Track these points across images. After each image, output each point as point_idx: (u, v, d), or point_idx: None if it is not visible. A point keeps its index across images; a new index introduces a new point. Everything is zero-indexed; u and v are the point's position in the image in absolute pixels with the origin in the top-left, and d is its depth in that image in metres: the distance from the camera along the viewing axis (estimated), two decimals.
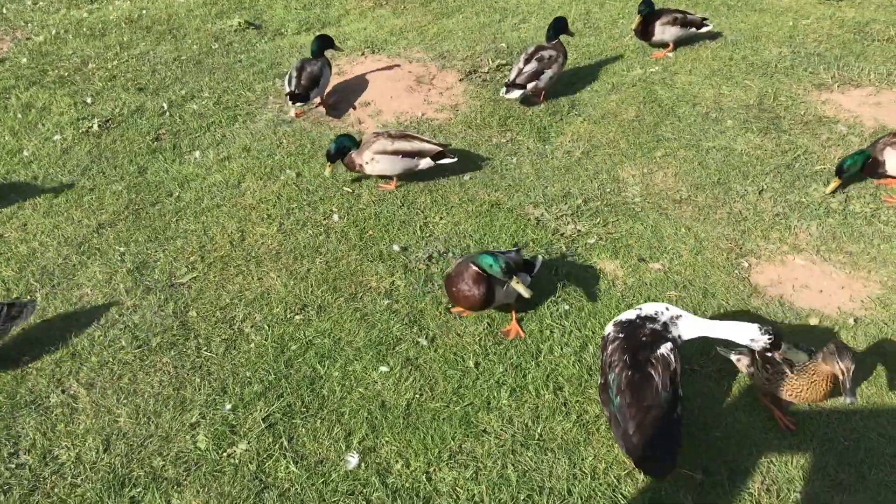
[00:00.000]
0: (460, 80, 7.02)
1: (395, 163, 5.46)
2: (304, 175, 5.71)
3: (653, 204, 5.40)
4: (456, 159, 5.61)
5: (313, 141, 6.14)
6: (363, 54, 7.51)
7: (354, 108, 6.58)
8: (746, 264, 4.86)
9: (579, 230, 5.14)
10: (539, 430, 3.79)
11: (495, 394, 3.99)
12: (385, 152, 5.42)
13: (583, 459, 3.65)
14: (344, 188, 5.58)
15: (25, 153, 6.00)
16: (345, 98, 6.78)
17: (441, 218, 5.29)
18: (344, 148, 5.53)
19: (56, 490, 3.53)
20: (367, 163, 5.46)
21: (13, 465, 3.64)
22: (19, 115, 6.46)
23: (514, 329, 4.34)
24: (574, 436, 3.76)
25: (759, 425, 3.80)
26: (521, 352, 4.22)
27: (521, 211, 5.33)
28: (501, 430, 3.81)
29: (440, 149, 5.52)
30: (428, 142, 5.52)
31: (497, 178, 5.68)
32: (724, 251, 4.96)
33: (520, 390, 4.01)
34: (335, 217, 5.29)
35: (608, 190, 5.55)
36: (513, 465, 3.63)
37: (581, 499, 3.48)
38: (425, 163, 5.52)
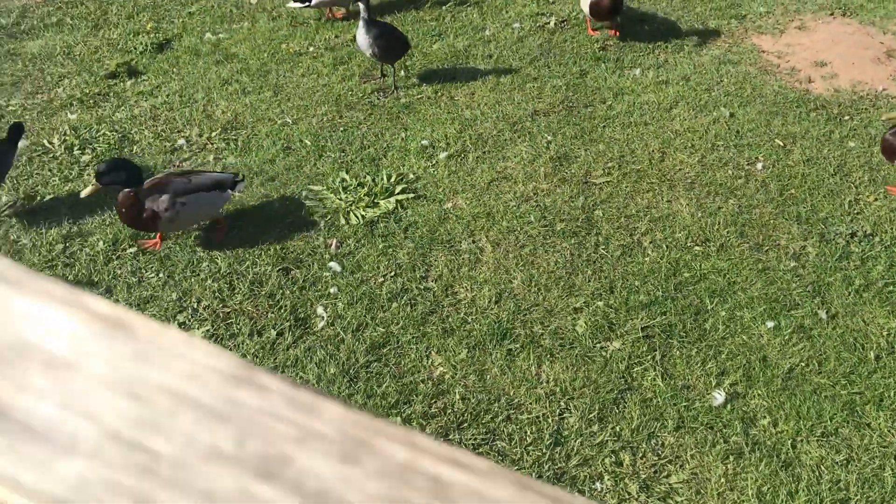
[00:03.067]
0: None
1: (199, 205, 4.22)
2: (738, 117, 5.51)
3: None
4: (244, 182, 4.58)
5: (755, 87, 5.87)
6: (832, 14, 6.92)
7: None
8: None
9: None
10: None
11: (892, 394, 3.61)
12: (188, 192, 4.14)
13: None
14: (776, 140, 5.29)
15: (486, 32, 6.54)
16: (800, 55, 6.35)
17: (876, 199, 4.81)
18: (125, 180, 4.00)
19: (449, 319, 3.95)
20: (166, 210, 4.07)
21: (422, 287, 4.13)
22: None
23: None
24: None
25: None
26: None
27: None
28: (889, 430, 3.46)
29: (232, 176, 4.44)
30: (213, 171, 4.51)
31: None
32: None
33: None
34: (759, 165, 5.06)
35: None
36: (892, 469, 3.30)
37: None
38: (226, 195, 4.37)
